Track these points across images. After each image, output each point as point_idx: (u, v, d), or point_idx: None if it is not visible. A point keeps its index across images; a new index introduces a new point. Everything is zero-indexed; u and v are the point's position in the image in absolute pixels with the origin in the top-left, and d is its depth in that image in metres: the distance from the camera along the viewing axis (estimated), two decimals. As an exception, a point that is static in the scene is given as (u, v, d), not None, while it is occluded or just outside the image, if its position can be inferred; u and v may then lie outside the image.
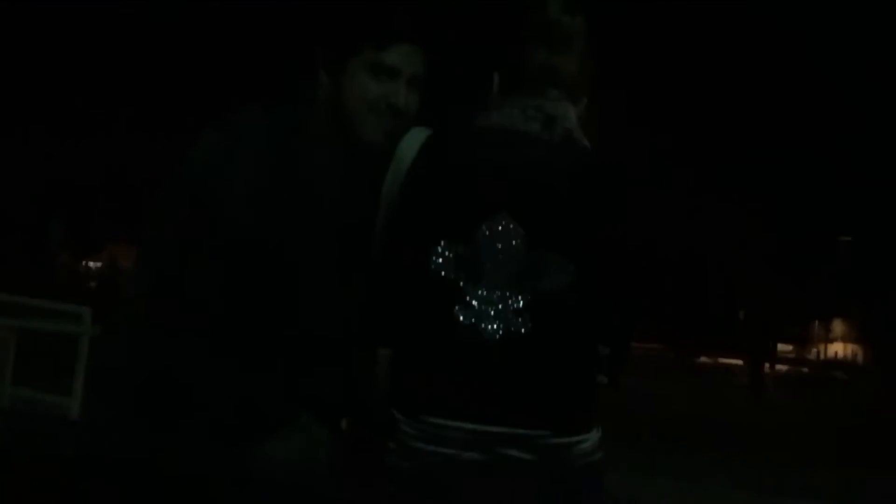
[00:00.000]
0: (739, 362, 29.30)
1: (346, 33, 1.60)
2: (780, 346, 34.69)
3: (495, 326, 1.45)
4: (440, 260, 1.47)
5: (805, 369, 34.66)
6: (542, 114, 1.51)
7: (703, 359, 31.88)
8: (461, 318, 1.45)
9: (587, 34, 1.58)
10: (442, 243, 1.47)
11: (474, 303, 1.45)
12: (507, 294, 1.45)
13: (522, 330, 1.44)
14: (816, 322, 38.40)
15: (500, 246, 1.45)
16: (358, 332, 1.58)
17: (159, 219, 1.61)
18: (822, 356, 39.74)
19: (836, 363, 37.56)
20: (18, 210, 23.77)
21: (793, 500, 6.32)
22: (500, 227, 1.46)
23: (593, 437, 1.51)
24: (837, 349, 41.23)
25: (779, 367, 32.46)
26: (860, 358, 38.64)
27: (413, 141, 1.53)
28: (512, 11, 1.59)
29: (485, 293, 1.45)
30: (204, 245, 1.53)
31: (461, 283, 1.46)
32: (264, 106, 1.62)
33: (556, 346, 1.46)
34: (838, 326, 40.33)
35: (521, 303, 1.44)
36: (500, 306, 1.45)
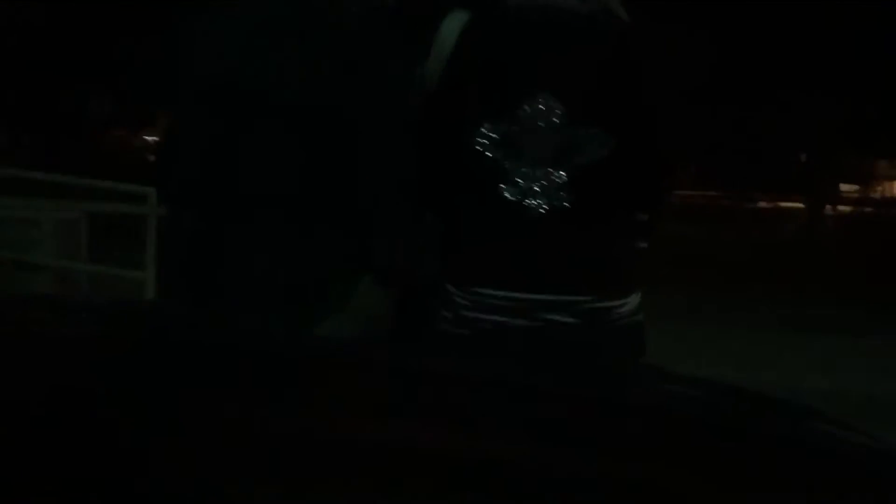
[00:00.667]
0: (800, 205, 28.86)
1: None
2: (844, 187, 33.89)
3: (540, 201, 1.52)
4: (484, 140, 1.53)
5: (869, 209, 33.95)
6: None
7: (762, 203, 31.43)
8: (506, 194, 1.53)
9: None
10: (485, 124, 1.53)
11: (518, 180, 1.52)
12: (550, 170, 1.52)
13: (566, 203, 1.51)
14: (882, 161, 37.34)
15: (541, 124, 1.51)
16: (410, 201, 1.63)
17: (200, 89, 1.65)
18: (887, 194, 38.85)
19: (900, 201, 36.72)
20: (64, 88, 23.87)
21: (836, 335, 6.41)
22: (540, 106, 1.51)
23: (633, 300, 1.61)
24: (902, 186, 40.19)
25: (841, 207, 31.86)
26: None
27: (453, 24, 1.58)
28: None
29: (528, 170, 1.52)
30: (259, 112, 1.58)
31: (505, 162, 1.52)
32: None
33: (598, 216, 1.54)
34: (904, 163, 39.12)
35: (564, 177, 1.51)
36: (543, 182, 1.52)
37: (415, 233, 1.67)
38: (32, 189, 6.95)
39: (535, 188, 1.52)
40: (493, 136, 1.53)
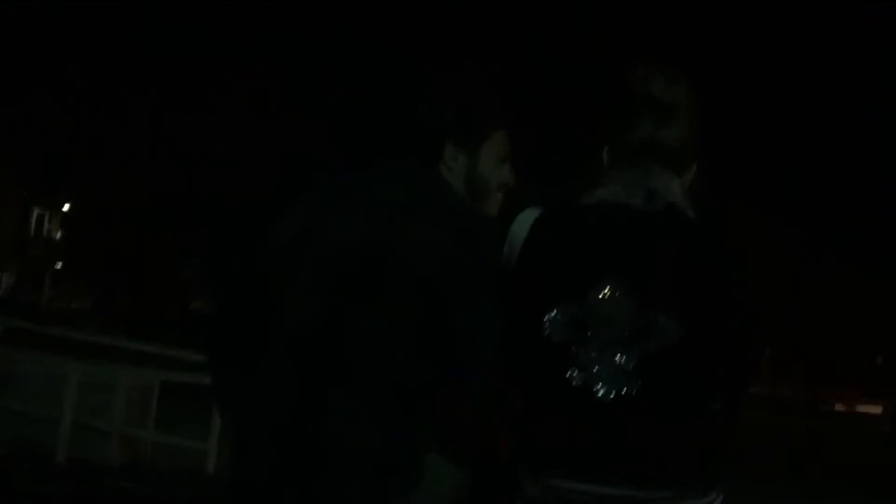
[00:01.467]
0: (878, 409, 27.65)
1: (483, 118, 1.81)
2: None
3: (607, 388, 1.53)
4: (553, 325, 1.56)
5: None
6: (644, 188, 1.60)
7: (839, 406, 30.24)
8: (574, 380, 1.54)
9: (690, 105, 1.65)
10: (554, 310, 1.57)
11: (586, 365, 1.54)
12: (618, 356, 1.53)
13: (634, 391, 1.52)
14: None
15: (608, 311, 1.55)
16: (488, 385, 1.66)
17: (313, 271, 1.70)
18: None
19: None
20: (155, 256, 24.82)
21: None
22: (608, 293, 1.55)
23: (716, 499, 1.56)
24: None
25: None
26: None
27: (525, 219, 1.66)
28: (614, 88, 1.69)
29: (595, 355, 1.54)
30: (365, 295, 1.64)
31: (573, 347, 1.55)
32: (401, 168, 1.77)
33: (669, 405, 1.53)
34: None
35: (632, 364, 1.52)
36: (610, 368, 1.53)
37: (498, 412, 1.68)
38: (109, 353, 7.16)
39: (603, 374, 1.53)
40: (561, 319, 1.56)
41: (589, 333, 1.55)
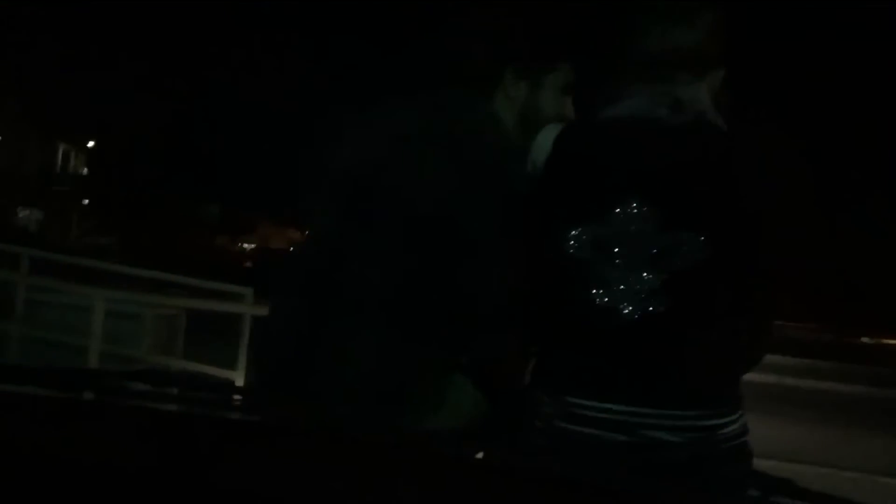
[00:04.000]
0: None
1: (550, 49, 1.79)
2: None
3: (633, 307, 1.48)
4: (576, 243, 1.52)
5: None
6: (670, 98, 1.53)
7: (865, 339, 30.19)
8: (597, 299, 1.50)
9: (710, 5, 1.56)
10: (577, 228, 1.52)
11: (611, 284, 1.49)
12: (643, 274, 1.48)
13: (660, 309, 1.47)
14: None
15: (633, 228, 1.49)
16: (514, 300, 1.64)
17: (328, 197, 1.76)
18: None
19: None
20: (178, 193, 25.04)
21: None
22: (632, 211, 1.49)
23: (739, 420, 1.52)
24: None
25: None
26: None
27: (548, 135, 1.60)
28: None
29: (620, 274, 1.49)
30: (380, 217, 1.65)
31: (597, 265, 1.50)
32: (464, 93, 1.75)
33: (695, 325, 1.48)
34: None
35: (658, 282, 1.47)
36: (636, 287, 1.48)
37: (516, 332, 1.67)
38: (135, 284, 7.23)
39: (628, 292, 1.48)
40: (585, 237, 1.51)
41: (614, 252, 1.49)
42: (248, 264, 28.20)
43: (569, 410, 1.51)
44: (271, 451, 1.04)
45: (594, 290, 1.50)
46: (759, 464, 1.63)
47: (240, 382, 5.62)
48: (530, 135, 1.67)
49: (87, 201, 37.34)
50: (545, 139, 1.59)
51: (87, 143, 38.28)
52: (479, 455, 1.13)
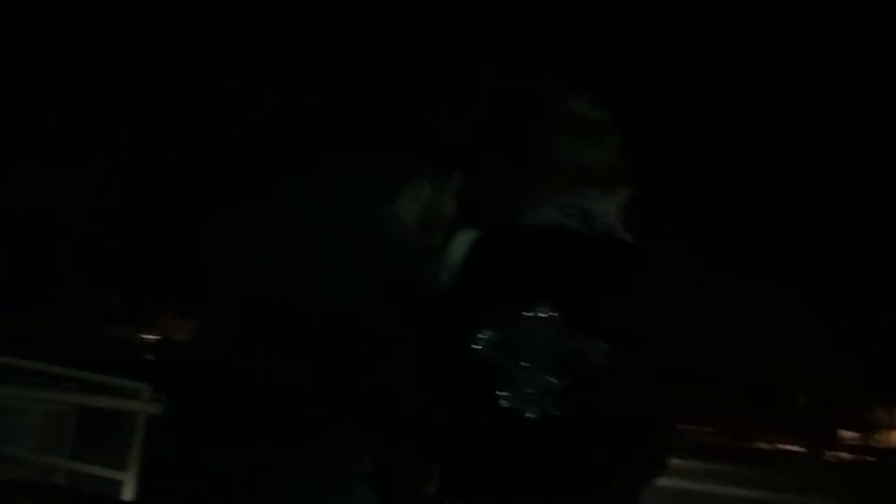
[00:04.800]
0: (800, 448, 28.36)
1: (453, 156, 1.86)
2: (845, 433, 33.43)
3: (537, 409, 1.50)
4: (485, 344, 1.54)
5: (870, 458, 33.32)
6: (579, 211, 1.61)
7: (761, 444, 30.91)
8: (503, 401, 1.51)
9: (616, 129, 1.66)
10: (488, 330, 1.54)
11: (517, 386, 1.51)
12: (548, 378, 1.51)
13: (563, 412, 1.50)
14: (883, 408, 37.07)
15: (541, 333, 1.53)
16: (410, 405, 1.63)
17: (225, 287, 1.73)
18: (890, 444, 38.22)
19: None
20: (77, 280, 24.22)
21: None
22: (541, 316, 1.53)
23: None
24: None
25: (843, 454, 31.27)
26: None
27: (462, 240, 1.64)
28: (542, 112, 1.68)
29: (526, 377, 1.52)
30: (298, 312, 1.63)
31: (505, 368, 1.52)
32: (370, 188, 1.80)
33: (598, 428, 1.52)
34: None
35: (560, 386, 1.51)
36: (541, 390, 1.51)
37: (418, 437, 1.66)
38: (22, 377, 6.88)
39: (533, 396, 1.51)
40: (494, 340, 1.53)
41: (522, 355, 1.52)
42: (149, 357, 27.28)
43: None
44: None
45: (499, 392, 1.52)
46: None
47: (130, 485, 5.34)
48: (428, 236, 1.76)
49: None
50: (460, 243, 1.63)
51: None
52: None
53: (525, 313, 1.53)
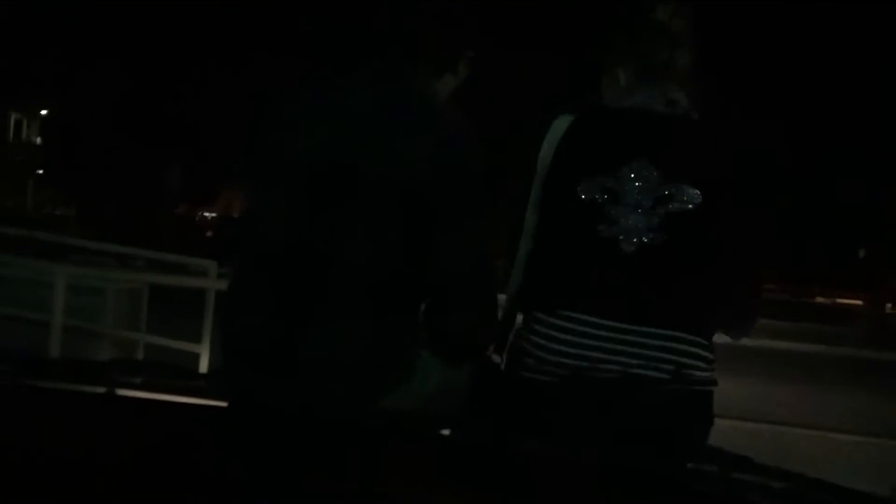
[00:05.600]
0: (859, 302, 28.21)
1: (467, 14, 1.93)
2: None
3: (633, 239, 1.76)
4: (589, 189, 1.80)
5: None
6: (664, 98, 1.87)
7: (820, 299, 30.81)
8: (603, 233, 1.78)
9: (693, 32, 1.92)
10: (591, 178, 1.81)
11: (615, 221, 1.77)
12: (644, 215, 1.77)
13: (656, 243, 1.75)
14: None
15: (638, 181, 1.79)
16: (485, 278, 1.75)
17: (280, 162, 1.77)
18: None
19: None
20: (138, 161, 24.59)
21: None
22: (639, 167, 1.79)
23: (712, 366, 1.79)
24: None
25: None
26: None
27: (562, 121, 1.89)
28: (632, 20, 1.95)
29: (625, 214, 1.78)
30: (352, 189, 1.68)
31: (605, 206, 1.78)
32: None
33: (685, 259, 1.77)
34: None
35: (655, 222, 1.76)
36: (638, 224, 1.77)
37: (486, 310, 1.75)
38: (96, 258, 7.16)
39: (630, 228, 1.78)
40: (597, 185, 1.81)
41: (619, 198, 1.78)
42: (209, 234, 27.85)
43: (562, 324, 1.76)
44: (246, 436, 1.07)
45: (600, 226, 1.77)
46: (718, 423, 1.77)
47: (205, 357, 5.61)
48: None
49: (41, 171, 36.64)
50: (558, 124, 1.88)
51: (40, 111, 37.47)
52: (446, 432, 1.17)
53: (624, 165, 1.79)
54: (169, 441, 1.02)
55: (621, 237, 1.76)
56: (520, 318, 1.90)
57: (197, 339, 5.72)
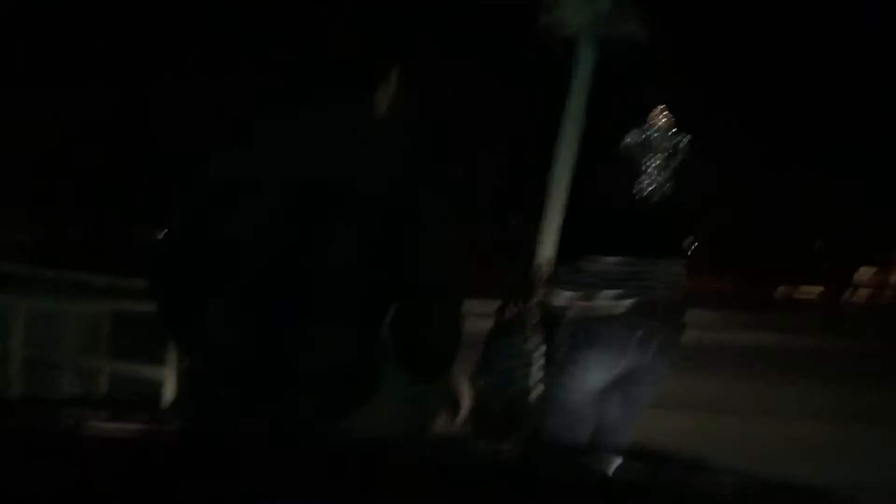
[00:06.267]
0: (817, 292, 28.64)
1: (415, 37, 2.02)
2: (864, 269, 33.60)
3: (656, 188, 2.27)
4: (629, 144, 2.26)
5: (889, 293, 33.57)
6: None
7: (780, 290, 31.23)
8: (636, 185, 2.27)
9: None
10: (629, 136, 2.27)
11: (646, 170, 2.26)
12: (662, 165, 2.28)
13: (669, 189, 2.27)
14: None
15: (660, 137, 2.28)
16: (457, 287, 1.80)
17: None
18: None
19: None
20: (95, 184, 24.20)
21: (861, 424, 6.30)
22: (661, 115, 2.30)
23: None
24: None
25: (858, 296, 31.56)
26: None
27: (585, 69, 2.30)
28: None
29: (653, 165, 2.26)
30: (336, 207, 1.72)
31: (639, 158, 2.26)
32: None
33: (676, 203, 2.28)
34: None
35: (667, 173, 2.28)
36: (659, 172, 2.27)
37: (453, 323, 1.76)
38: (59, 286, 7.05)
39: (655, 179, 2.27)
40: (634, 142, 2.27)
41: (648, 152, 2.27)
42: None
43: (599, 268, 2.24)
44: (214, 463, 1.06)
45: (624, 174, 2.26)
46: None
47: (171, 379, 5.56)
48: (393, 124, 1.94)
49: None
50: (584, 70, 2.26)
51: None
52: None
53: (650, 121, 2.30)
54: (133, 474, 1.01)
55: (647, 187, 2.28)
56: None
57: (159, 365, 5.66)
